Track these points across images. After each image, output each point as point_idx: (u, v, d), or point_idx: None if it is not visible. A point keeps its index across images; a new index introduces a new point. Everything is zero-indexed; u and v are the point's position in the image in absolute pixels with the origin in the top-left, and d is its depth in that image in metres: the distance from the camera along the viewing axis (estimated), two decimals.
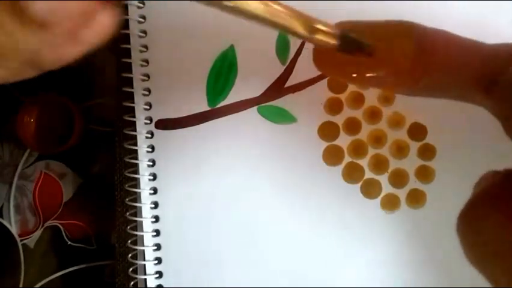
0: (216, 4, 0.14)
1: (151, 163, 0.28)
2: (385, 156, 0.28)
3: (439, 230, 0.27)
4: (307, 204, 0.28)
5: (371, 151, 0.28)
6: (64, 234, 0.32)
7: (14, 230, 0.33)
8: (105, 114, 0.33)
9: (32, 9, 0.14)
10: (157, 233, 0.28)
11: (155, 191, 0.28)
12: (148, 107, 0.28)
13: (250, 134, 0.28)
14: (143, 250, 0.28)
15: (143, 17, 0.28)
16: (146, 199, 0.28)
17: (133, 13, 0.28)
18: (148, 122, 0.28)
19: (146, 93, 0.28)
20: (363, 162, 0.28)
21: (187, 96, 0.28)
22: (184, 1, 0.28)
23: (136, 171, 0.28)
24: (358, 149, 0.28)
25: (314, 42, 0.16)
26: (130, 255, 0.28)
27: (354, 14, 0.18)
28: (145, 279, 0.28)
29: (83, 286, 0.32)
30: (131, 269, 0.28)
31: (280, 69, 0.28)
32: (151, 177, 0.28)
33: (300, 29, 0.16)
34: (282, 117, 0.28)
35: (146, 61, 0.28)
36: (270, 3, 0.15)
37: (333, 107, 0.28)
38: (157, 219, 0.28)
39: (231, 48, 0.28)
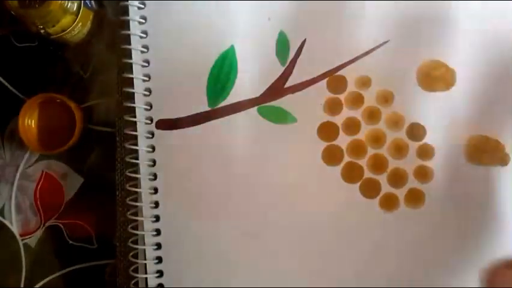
0: None
1: (151, 163, 0.28)
2: (384, 156, 0.28)
3: (438, 230, 0.28)
4: (307, 203, 0.28)
5: (370, 151, 0.28)
6: (65, 233, 0.32)
7: (15, 229, 0.33)
8: (105, 114, 0.33)
9: None
10: (158, 232, 0.28)
11: (155, 190, 0.28)
12: (148, 107, 0.28)
13: (250, 134, 0.28)
14: (144, 249, 0.28)
15: (144, 18, 0.28)
16: (146, 199, 0.28)
17: (134, 14, 0.28)
18: (149, 122, 0.28)
19: (147, 93, 0.28)
20: (362, 162, 0.28)
21: (187, 97, 0.28)
22: (184, 2, 0.28)
23: (137, 171, 0.28)
24: (357, 149, 0.28)
25: None
26: (130, 254, 0.28)
27: None
28: (146, 278, 0.28)
29: (84, 285, 0.32)
30: (132, 268, 0.28)
31: (280, 69, 0.28)
32: (152, 177, 0.28)
33: None
34: (282, 117, 0.28)
35: (147, 61, 0.28)
36: None
37: (333, 107, 0.28)
38: (157, 218, 0.28)
39: (231, 48, 0.28)
